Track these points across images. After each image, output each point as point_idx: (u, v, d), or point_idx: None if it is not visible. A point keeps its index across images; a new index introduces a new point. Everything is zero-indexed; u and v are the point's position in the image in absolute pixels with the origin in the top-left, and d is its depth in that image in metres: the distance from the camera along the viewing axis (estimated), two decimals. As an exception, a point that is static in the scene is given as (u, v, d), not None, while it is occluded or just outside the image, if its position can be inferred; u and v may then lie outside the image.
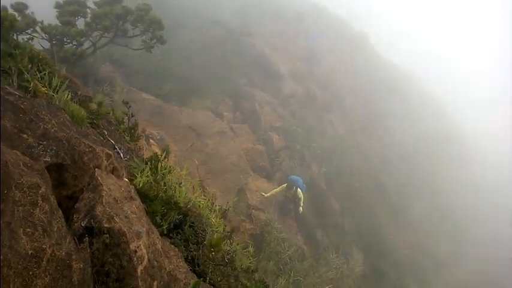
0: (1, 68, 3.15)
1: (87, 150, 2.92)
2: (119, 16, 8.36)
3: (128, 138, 4.09)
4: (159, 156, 3.91)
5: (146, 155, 10.99)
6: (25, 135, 2.71)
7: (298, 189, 12.17)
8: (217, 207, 5.02)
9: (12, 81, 3.23)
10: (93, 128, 3.81)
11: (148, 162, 3.77)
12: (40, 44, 8.95)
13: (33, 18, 8.19)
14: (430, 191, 21.55)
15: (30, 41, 7.46)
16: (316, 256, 13.18)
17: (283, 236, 12.00)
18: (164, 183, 3.93)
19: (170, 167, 3.99)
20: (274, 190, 12.40)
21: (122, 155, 3.62)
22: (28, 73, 3.43)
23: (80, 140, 2.92)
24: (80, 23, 8.87)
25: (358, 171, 17.22)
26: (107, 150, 3.12)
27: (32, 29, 8.13)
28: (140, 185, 3.46)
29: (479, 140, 33.45)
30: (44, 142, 2.76)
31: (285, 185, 12.34)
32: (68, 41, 8.04)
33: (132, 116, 4.18)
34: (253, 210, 12.29)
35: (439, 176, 23.19)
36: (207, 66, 16.74)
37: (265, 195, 12.22)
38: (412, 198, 19.87)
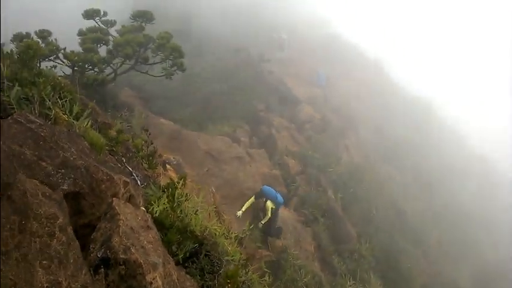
0: (24, 96, 3.22)
1: (104, 178, 2.93)
2: (141, 44, 8.57)
3: (145, 166, 4.11)
4: (176, 183, 3.89)
5: (163, 180, 11.06)
6: (44, 163, 2.75)
7: (268, 201, 11.13)
8: (233, 235, 4.96)
9: (34, 108, 3.29)
10: (112, 154, 3.85)
11: (165, 190, 3.76)
12: (62, 70, 9.21)
13: (57, 45, 8.45)
14: (449, 220, 21.00)
15: (53, 68, 7.69)
16: (333, 283, 12.85)
17: (300, 262, 11.79)
18: (181, 210, 3.91)
19: (187, 194, 3.97)
20: (246, 204, 11.33)
21: (139, 182, 3.63)
22: (50, 100, 3.49)
23: (98, 168, 2.94)
24: (102, 50, 9.10)
25: (376, 197, 16.93)
26: (125, 178, 3.13)
27: (55, 55, 8.37)
28: (157, 214, 3.45)
29: (498, 168, 32.60)
30: (63, 170, 2.78)
31: (253, 197, 11.39)
32: (90, 67, 8.24)
33: (151, 144, 4.21)
34: (269, 237, 12.13)
35: (458, 205, 22.62)
36: (226, 92, 16.98)
37: (239, 212, 11.18)
38: (431, 225, 19.38)
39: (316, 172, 15.73)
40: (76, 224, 2.83)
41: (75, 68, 8.46)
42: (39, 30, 8.81)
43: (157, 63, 9.17)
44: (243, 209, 11.17)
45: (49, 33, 8.82)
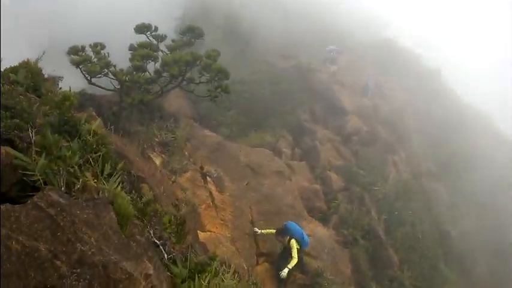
0: (50, 170, 3.08)
1: (123, 277, 2.74)
2: (188, 63, 8.47)
3: (173, 240, 3.93)
4: (206, 267, 3.63)
5: (202, 193, 10.97)
6: (59, 262, 2.58)
7: (293, 240, 9.49)
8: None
9: (59, 181, 3.15)
10: (139, 221, 3.67)
11: (193, 271, 3.52)
12: (112, 83, 9.28)
13: (108, 61, 8.51)
14: (503, 245, 19.61)
15: (101, 88, 7.82)
16: (370, 312, 12.41)
17: (335, 288, 11.40)
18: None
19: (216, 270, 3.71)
20: (266, 230, 10.21)
21: (165, 255, 3.44)
22: (79, 169, 3.34)
23: (117, 266, 2.74)
24: (151, 67, 9.10)
25: (421, 221, 16.07)
26: (147, 271, 2.93)
27: (105, 71, 8.44)
28: None
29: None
30: (78, 270, 2.61)
31: (273, 230, 10.07)
32: (137, 86, 8.26)
33: (180, 219, 4.02)
34: (304, 257, 11.81)
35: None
36: (270, 99, 16.68)
37: (258, 231, 10.26)
38: (480, 252, 18.15)
39: (360, 190, 15.13)
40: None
41: (123, 87, 8.51)
42: (94, 44, 8.92)
43: (203, 82, 9.02)
44: (263, 232, 10.19)
45: (102, 47, 8.93)
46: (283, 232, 9.69)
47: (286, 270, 9.34)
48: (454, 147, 20.94)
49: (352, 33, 22.33)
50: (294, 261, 9.42)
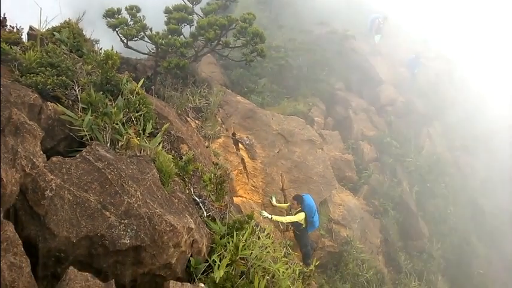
0: (96, 126, 3.16)
1: (167, 229, 2.83)
2: (223, 26, 8.37)
3: (213, 198, 3.99)
4: (244, 225, 3.69)
5: (234, 159, 11.08)
6: (108, 213, 2.69)
7: (302, 213, 9.01)
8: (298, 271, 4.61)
9: (105, 137, 3.23)
10: (180, 178, 3.75)
11: (231, 228, 3.59)
12: (147, 47, 9.31)
13: (144, 24, 8.50)
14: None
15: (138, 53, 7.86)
16: (397, 281, 12.43)
17: (363, 256, 11.49)
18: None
19: (253, 229, 3.77)
20: (281, 205, 10.01)
21: (205, 213, 3.51)
22: (123, 126, 3.42)
23: (161, 218, 2.83)
24: (186, 30, 9.05)
25: (454, 194, 15.74)
26: (188, 225, 3.01)
27: (142, 35, 8.46)
28: (217, 280, 3.25)
29: None
30: (125, 221, 2.71)
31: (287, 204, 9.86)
32: (172, 50, 8.24)
33: (221, 177, 4.06)
34: (334, 225, 11.89)
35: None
36: (304, 67, 16.37)
37: (274, 202, 9.98)
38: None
39: (392, 161, 14.93)
40: (136, 273, 2.78)
41: (159, 50, 8.52)
42: (129, 6, 8.89)
43: (238, 47, 8.91)
44: (278, 204, 9.91)
45: (138, 10, 8.89)
46: (299, 200, 9.24)
47: (266, 214, 8.70)
48: (491, 122, 20.12)
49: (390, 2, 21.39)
50: (288, 218, 9.01)
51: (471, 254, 14.63)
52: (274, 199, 10.11)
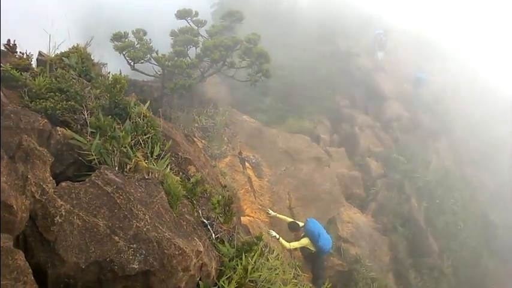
0: (104, 150, 3.19)
1: (176, 253, 2.82)
2: (229, 47, 8.50)
3: (221, 220, 3.99)
4: (252, 248, 3.67)
5: (240, 178, 11.05)
6: (117, 238, 2.69)
7: (306, 237, 8.65)
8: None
9: (113, 161, 3.26)
10: (188, 200, 3.75)
11: (240, 251, 3.57)
12: (154, 69, 9.44)
13: (150, 46, 8.65)
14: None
15: (143, 74, 7.99)
16: (407, 300, 12.24)
17: (373, 275, 11.30)
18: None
19: (263, 250, 3.75)
20: (284, 217, 9.56)
21: (213, 235, 3.51)
22: (131, 149, 3.45)
23: (170, 242, 2.83)
24: (191, 52, 9.19)
25: (464, 209, 15.56)
26: (197, 248, 3.00)
27: (148, 57, 8.59)
28: None
29: None
30: (134, 245, 2.71)
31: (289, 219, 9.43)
32: (179, 72, 8.37)
33: (229, 200, 4.07)
34: (342, 243, 11.75)
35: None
36: (309, 84, 16.47)
37: (272, 213, 9.64)
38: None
39: (400, 177, 14.80)
40: (144, 298, 2.76)
41: (165, 72, 8.65)
42: (136, 30, 9.07)
43: (243, 67, 9.02)
44: (278, 215, 9.56)
45: (144, 33, 9.07)
46: (295, 228, 8.96)
47: (274, 234, 8.39)
48: (498, 136, 19.98)
49: (392, 18, 21.58)
50: (292, 245, 8.55)
51: (483, 271, 14.37)
52: (271, 211, 9.76)
